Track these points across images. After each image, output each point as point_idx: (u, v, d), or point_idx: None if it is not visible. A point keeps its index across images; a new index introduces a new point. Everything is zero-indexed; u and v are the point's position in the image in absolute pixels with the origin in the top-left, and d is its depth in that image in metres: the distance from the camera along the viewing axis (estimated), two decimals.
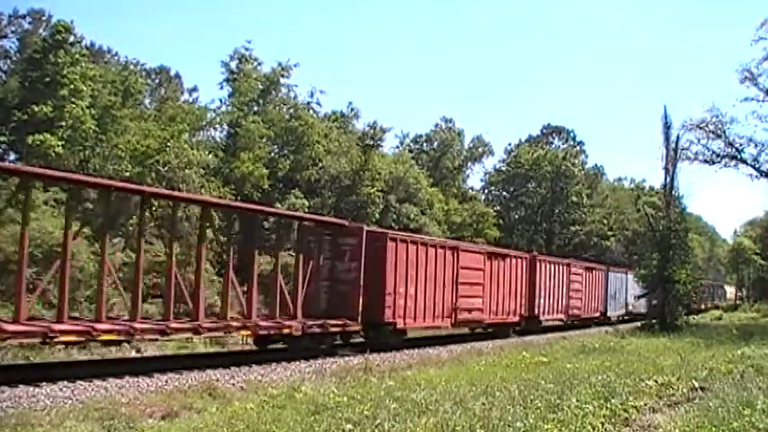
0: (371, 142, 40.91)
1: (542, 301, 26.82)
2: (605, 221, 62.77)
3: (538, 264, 26.65)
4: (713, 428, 7.54)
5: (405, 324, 18.42)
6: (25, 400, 9.57)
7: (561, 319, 29.24)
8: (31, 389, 10.18)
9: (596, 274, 32.99)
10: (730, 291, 66.51)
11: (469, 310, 21.33)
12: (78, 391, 10.42)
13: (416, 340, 19.94)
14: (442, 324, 20.39)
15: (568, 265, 30.18)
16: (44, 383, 10.53)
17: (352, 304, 16.81)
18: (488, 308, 22.53)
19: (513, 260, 24.62)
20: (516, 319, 24.69)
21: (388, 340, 17.93)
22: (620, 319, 35.38)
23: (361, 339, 17.62)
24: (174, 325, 13.03)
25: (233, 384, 12.00)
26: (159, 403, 9.77)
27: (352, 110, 45.66)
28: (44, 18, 36.34)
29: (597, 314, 32.70)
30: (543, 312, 26.98)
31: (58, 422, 8.22)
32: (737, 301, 62.87)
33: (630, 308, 36.43)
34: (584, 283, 31.23)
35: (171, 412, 9.29)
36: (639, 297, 35.23)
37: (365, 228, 18.53)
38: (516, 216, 61.56)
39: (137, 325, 12.32)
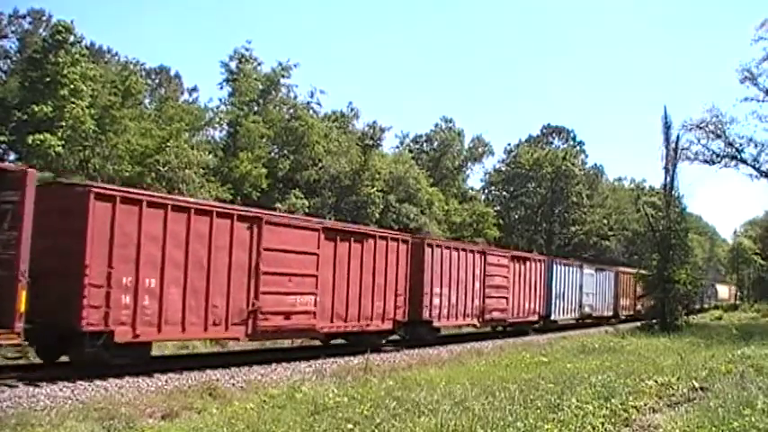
0: (371, 142, 40.95)
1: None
2: (605, 221, 62.83)
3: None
4: (713, 428, 7.54)
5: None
6: (25, 400, 9.56)
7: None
8: (31, 389, 10.17)
9: (532, 266, 26.05)
10: (722, 290, 63.94)
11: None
12: (78, 391, 10.40)
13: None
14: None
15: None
16: (44, 383, 10.52)
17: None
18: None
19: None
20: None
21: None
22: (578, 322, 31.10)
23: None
24: None
25: (233, 384, 11.99)
26: (159, 403, 9.77)
27: (351, 110, 45.78)
28: (44, 18, 36.47)
29: (534, 317, 26.14)
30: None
31: (58, 422, 8.21)
32: (731, 301, 60.70)
33: (587, 309, 31.12)
34: (514, 279, 24.93)
35: (171, 412, 9.28)
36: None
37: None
38: (516, 216, 61.65)
39: None
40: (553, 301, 27.10)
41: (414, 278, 18.29)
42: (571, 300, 29.18)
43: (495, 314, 22.95)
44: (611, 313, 33.77)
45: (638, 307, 36.14)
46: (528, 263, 25.84)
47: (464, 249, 21.64)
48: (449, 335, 21.97)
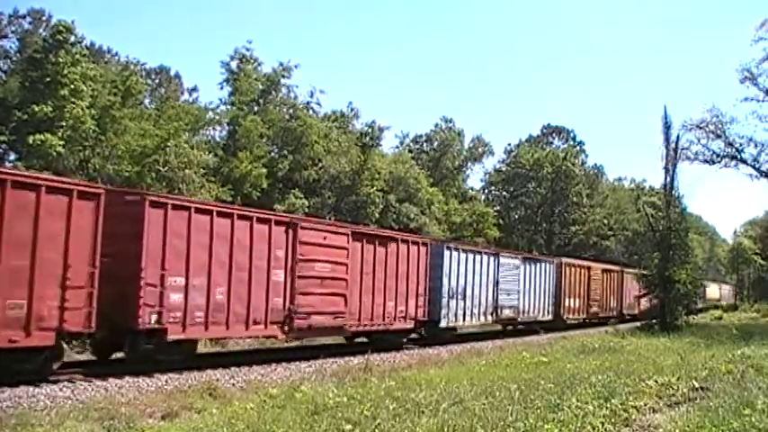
0: (371, 142, 40.93)
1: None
2: (605, 221, 62.80)
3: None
4: (713, 428, 7.54)
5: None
6: (25, 400, 9.57)
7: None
8: (31, 389, 10.17)
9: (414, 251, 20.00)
10: (712, 290, 58.91)
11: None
12: (78, 391, 10.41)
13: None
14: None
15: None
16: (44, 383, 10.52)
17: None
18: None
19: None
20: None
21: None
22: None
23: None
24: None
25: (233, 384, 12.00)
26: (159, 403, 9.77)
27: (351, 110, 45.75)
28: (44, 18, 36.41)
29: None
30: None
31: (58, 422, 8.22)
32: (722, 302, 58.09)
33: (508, 312, 24.58)
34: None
35: (171, 412, 9.28)
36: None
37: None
38: (516, 216, 61.65)
39: None
40: (443, 301, 20.26)
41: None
42: (478, 299, 22.27)
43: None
44: (548, 317, 27.50)
45: (595, 309, 32.09)
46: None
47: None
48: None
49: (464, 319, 21.49)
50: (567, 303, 28.96)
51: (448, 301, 20.40)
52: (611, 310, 34.41)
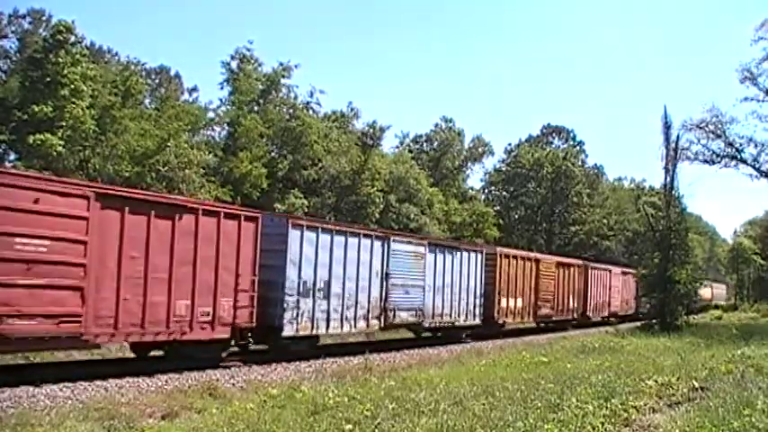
0: (371, 142, 40.94)
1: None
2: (605, 221, 62.79)
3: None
4: (713, 428, 7.53)
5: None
6: (25, 400, 9.56)
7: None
8: (31, 389, 10.17)
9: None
10: (704, 291, 52.19)
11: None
12: (78, 391, 10.41)
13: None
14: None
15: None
16: (44, 383, 10.52)
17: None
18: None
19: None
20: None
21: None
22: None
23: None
24: None
25: (233, 384, 12.00)
26: (159, 403, 9.77)
27: (351, 109, 45.77)
28: (44, 18, 36.50)
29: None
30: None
31: (58, 422, 8.21)
32: (713, 303, 55.75)
33: (404, 315, 19.05)
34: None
35: (171, 412, 9.28)
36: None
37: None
38: (516, 216, 61.66)
39: None
40: (288, 301, 14.99)
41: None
42: (354, 298, 17.00)
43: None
44: (474, 321, 22.13)
45: (547, 311, 26.97)
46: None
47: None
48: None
49: (329, 326, 16.12)
50: (503, 304, 23.61)
51: (297, 301, 15.11)
52: (569, 311, 29.17)
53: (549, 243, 58.57)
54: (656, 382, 11.00)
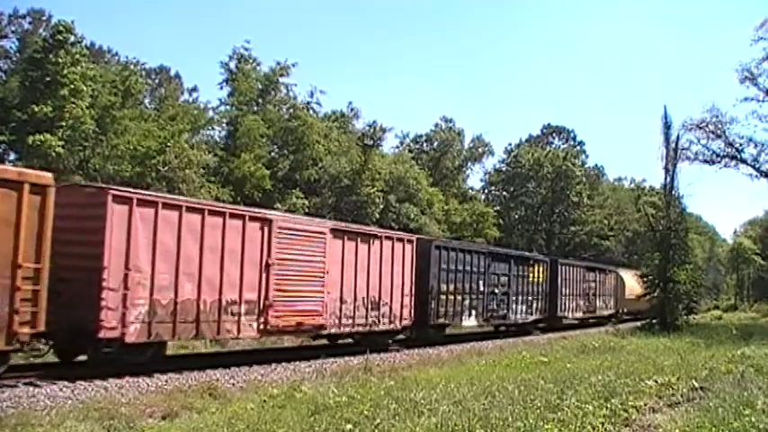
0: (371, 142, 40.92)
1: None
2: (605, 222, 62.78)
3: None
4: (713, 428, 7.54)
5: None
6: (25, 400, 9.56)
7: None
8: (31, 389, 10.17)
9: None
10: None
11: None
12: (78, 391, 10.41)
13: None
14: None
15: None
16: (44, 383, 10.52)
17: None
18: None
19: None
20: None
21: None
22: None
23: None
24: None
25: (233, 384, 12.00)
26: (159, 403, 9.77)
27: (352, 110, 45.75)
28: (44, 18, 36.47)
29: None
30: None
31: (58, 422, 8.21)
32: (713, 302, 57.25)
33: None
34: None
35: (171, 412, 9.28)
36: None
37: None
38: (516, 216, 61.60)
39: None
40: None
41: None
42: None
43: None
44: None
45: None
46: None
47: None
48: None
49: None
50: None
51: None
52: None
53: (549, 243, 58.58)
54: (656, 382, 11.00)
